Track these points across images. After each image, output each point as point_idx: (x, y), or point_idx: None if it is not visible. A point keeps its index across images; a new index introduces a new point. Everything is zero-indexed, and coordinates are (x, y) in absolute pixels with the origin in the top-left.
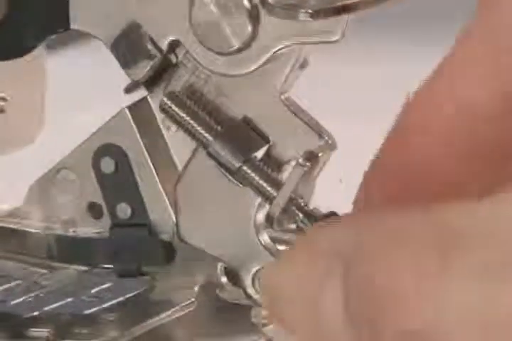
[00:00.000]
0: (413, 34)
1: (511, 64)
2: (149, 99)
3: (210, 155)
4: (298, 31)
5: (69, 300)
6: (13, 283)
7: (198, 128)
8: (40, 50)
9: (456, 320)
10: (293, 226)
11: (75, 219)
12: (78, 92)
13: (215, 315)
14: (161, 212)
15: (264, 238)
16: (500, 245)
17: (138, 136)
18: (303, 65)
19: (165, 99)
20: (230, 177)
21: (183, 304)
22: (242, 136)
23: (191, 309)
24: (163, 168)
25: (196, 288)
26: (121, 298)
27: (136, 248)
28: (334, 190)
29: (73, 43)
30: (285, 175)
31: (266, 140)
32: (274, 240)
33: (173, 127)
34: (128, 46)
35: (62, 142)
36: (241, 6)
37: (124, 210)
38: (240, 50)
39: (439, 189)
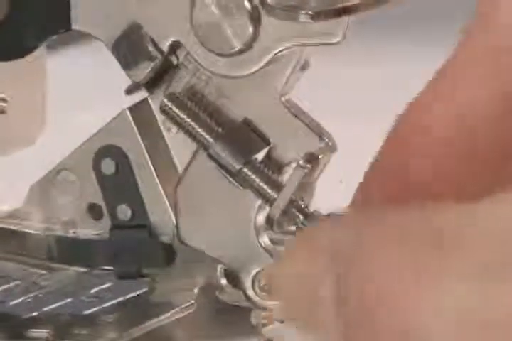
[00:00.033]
0: (413, 34)
1: (511, 64)
2: (150, 101)
3: (210, 156)
4: (299, 33)
5: (68, 300)
6: (12, 284)
7: (199, 130)
8: (41, 51)
9: (455, 320)
10: (293, 228)
11: (75, 220)
12: (79, 92)
13: (214, 316)
14: (161, 214)
15: (264, 240)
16: (500, 245)
17: (138, 137)
18: (304, 67)
19: (165, 100)
20: (231, 179)
21: (183, 306)
22: (243, 138)
23: (191, 311)
24: (163, 170)
25: (196, 290)
26: (121, 298)
27: (136, 249)
28: (334, 190)
29: (74, 43)
30: (286, 177)
31: (266, 142)
32: (274, 242)
33: (174, 128)
34: (129, 47)
35: (62, 143)
36: (242, 7)
37: (124, 212)
38: (240, 52)
39: (439, 189)
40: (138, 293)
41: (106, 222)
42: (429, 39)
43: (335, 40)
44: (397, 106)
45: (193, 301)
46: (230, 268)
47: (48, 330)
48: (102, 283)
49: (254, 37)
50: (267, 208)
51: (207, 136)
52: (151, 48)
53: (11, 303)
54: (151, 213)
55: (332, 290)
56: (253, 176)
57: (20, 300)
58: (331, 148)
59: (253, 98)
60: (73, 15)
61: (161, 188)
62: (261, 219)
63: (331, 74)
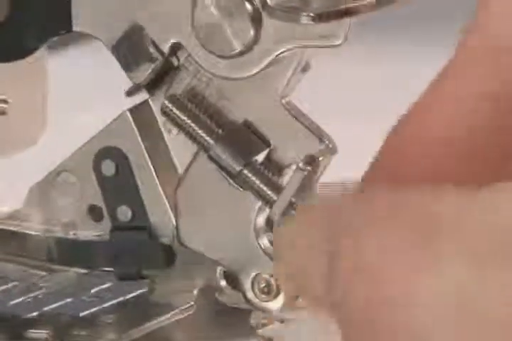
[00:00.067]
0: (413, 34)
1: (511, 64)
2: (150, 102)
3: (210, 158)
4: (300, 35)
5: (68, 300)
6: (10, 284)
7: (199, 132)
8: (41, 52)
9: (455, 304)
10: None
11: (75, 221)
12: (79, 93)
13: (214, 318)
14: (161, 215)
15: (264, 242)
16: (499, 233)
17: (139, 138)
18: (305, 69)
19: (166, 102)
20: (231, 180)
21: (183, 307)
22: (243, 140)
23: (190, 312)
24: (163, 171)
25: (195, 292)
26: (121, 298)
27: (136, 251)
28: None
29: (74, 44)
30: (286, 179)
31: (267, 143)
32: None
33: (174, 130)
34: (129, 49)
35: (62, 144)
36: (243, 9)
37: (124, 213)
38: (241, 54)
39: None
40: (138, 293)
41: (106, 224)
42: (429, 39)
43: (336, 43)
44: (397, 106)
45: (192, 303)
46: (229, 270)
47: (47, 331)
48: (102, 283)
49: (255, 39)
50: (267, 210)
51: (207, 138)
52: (151, 50)
53: (11, 303)
54: (151, 214)
55: (324, 268)
56: (253, 178)
57: (20, 299)
58: (331, 151)
59: (253, 100)
60: (74, 16)
61: (161, 190)
62: (261, 221)
63: (330, 73)
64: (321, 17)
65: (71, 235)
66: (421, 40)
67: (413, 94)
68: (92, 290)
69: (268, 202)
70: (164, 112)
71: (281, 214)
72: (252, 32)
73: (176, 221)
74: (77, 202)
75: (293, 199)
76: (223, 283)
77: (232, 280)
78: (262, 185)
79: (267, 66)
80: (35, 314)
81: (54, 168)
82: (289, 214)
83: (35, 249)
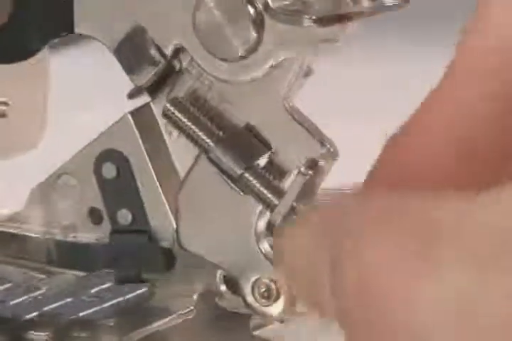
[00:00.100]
0: (413, 34)
1: (511, 64)
2: (152, 105)
3: (211, 161)
4: (302, 39)
5: (69, 300)
6: (7, 285)
7: (201, 134)
8: (43, 53)
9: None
10: None
11: (75, 224)
12: (80, 92)
13: (213, 323)
14: (161, 219)
15: (265, 246)
16: (499, 236)
17: (140, 141)
18: (307, 73)
19: (168, 104)
20: (232, 184)
21: (182, 311)
22: (245, 143)
23: (190, 317)
24: (164, 174)
25: (195, 296)
26: (121, 298)
27: (136, 254)
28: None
29: (75, 43)
30: (287, 182)
31: (268, 147)
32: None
33: (175, 133)
34: (132, 51)
35: (63, 145)
36: (245, 12)
37: (124, 216)
38: (244, 57)
39: (439, 189)
40: (138, 293)
41: (106, 227)
42: (429, 39)
43: (338, 47)
44: (397, 106)
45: (192, 307)
46: (229, 274)
47: (47, 333)
48: (102, 283)
49: (258, 42)
50: (268, 214)
51: (209, 141)
52: (154, 52)
53: (11, 303)
54: (151, 218)
55: (327, 275)
56: (254, 181)
57: (20, 299)
58: (333, 155)
59: (255, 103)
60: (76, 18)
61: (161, 193)
62: (262, 225)
63: (330, 73)
64: (323, 20)
65: (71, 238)
66: (421, 40)
67: (413, 94)
68: (92, 290)
69: (269, 206)
70: (166, 115)
71: (283, 219)
72: (254, 35)
73: (177, 224)
74: (78, 204)
75: (294, 204)
76: (223, 287)
77: (232, 284)
78: (263, 189)
79: (270, 70)
80: (35, 314)
81: (55, 171)
82: (290, 218)
83: (34, 251)
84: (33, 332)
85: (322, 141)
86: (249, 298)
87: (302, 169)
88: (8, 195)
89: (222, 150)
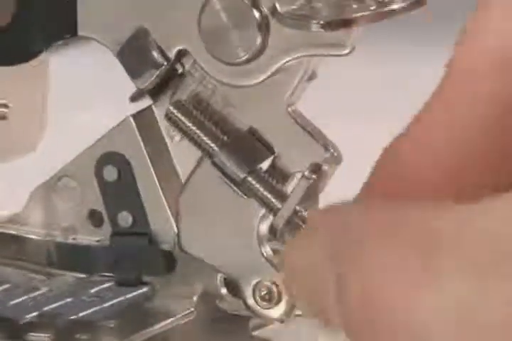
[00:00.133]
0: (413, 34)
1: (511, 64)
2: (154, 108)
3: (215, 165)
4: (307, 43)
5: (68, 300)
6: (6, 285)
7: (204, 138)
8: (45, 56)
9: (455, 320)
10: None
11: (76, 226)
12: (80, 93)
13: (213, 325)
14: (162, 221)
15: (267, 250)
16: (499, 244)
17: (141, 144)
18: (311, 77)
19: (171, 107)
20: (235, 187)
21: (183, 313)
22: (248, 147)
23: (190, 319)
24: (165, 177)
25: (195, 298)
26: (121, 298)
27: (137, 257)
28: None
29: (75, 43)
30: (290, 186)
31: (271, 151)
32: (276, 252)
33: (177, 136)
34: (135, 54)
35: (63, 145)
36: (251, 16)
37: (125, 219)
38: (248, 61)
39: (439, 189)
40: (138, 292)
41: (106, 229)
42: (429, 39)
43: (344, 52)
44: (397, 106)
45: (192, 309)
46: (230, 277)
47: (48, 335)
48: (102, 283)
49: (262, 46)
50: (271, 217)
51: (212, 145)
52: (157, 55)
53: (11, 303)
54: (152, 220)
55: (332, 287)
56: (257, 185)
57: (20, 300)
58: (336, 160)
59: (259, 107)
60: (79, 20)
61: (162, 195)
62: (264, 228)
63: (330, 73)
64: (330, 25)
65: (71, 240)
66: (421, 40)
67: (413, 94)
68: (92, 290)
69: (272, 210)
70: (169, 118)
71: (286, 223)
72: (259, 39)
73: (178, 227)
74: (78, 206)
75: (297, 208)
76: (224, 290)
77: (233, 287)
78: (266, 193)
79: (274, 74)
80: (34, 314)
81: (55, 173)
82: (293, 222)
83: (34, 253)
84: (33, 333)
85: (326, 145)
86: (250, 301)
87: (306, 173)
88: (8, 197)
89: (226, 154)
